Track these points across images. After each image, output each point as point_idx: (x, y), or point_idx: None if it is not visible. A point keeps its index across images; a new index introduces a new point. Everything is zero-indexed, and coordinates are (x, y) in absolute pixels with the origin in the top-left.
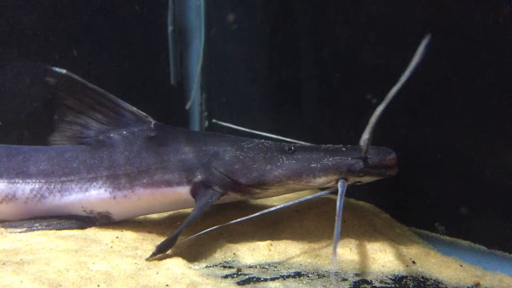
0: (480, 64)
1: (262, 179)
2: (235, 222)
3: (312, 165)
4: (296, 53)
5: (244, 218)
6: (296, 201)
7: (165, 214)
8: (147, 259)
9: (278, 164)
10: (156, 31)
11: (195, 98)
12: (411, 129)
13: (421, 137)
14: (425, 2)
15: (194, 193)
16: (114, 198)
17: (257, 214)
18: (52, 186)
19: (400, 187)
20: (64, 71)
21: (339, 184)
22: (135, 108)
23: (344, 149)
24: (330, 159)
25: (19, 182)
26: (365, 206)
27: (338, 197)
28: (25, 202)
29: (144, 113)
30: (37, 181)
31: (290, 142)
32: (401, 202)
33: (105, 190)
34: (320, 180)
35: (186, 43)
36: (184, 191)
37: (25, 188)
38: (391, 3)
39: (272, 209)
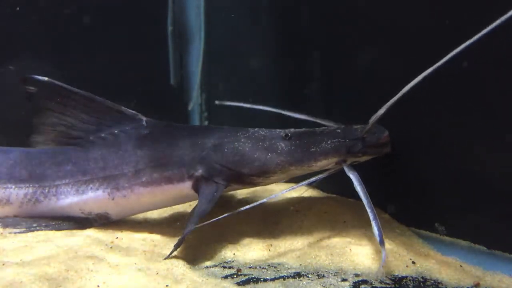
0: (481, 63)
1: (264, 167)
2: (236, 212)
3: (312, 150)
4: (298, 53)
5: (242, 208)
6: (295, 186)
7: (165, 214)
8: (164, 258)
9: (278, 151)
10: (155, 31)
11: (195, 98)
12: (411, 130)
13: (421, 137)
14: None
15: (196, 187)
16: (113, 199)
17: (257, 203)
18: (46, 190)
19: (400, 188)
20: (46, 78)
21: (348, 172)
22: (123, 107)
23: (339, 130)
24: (329, 142)
25: (12, 187)
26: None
27: (358, 187)
28: (20, 206)
29: (133, 111)
30: (30, 185)
31: (296, 119)
32: (401, 203)
33: (103, 192)
34: (321, 164)
35: (186, 43)
36: (185, 186)
37: (18, 193)
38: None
39: (271, 197)
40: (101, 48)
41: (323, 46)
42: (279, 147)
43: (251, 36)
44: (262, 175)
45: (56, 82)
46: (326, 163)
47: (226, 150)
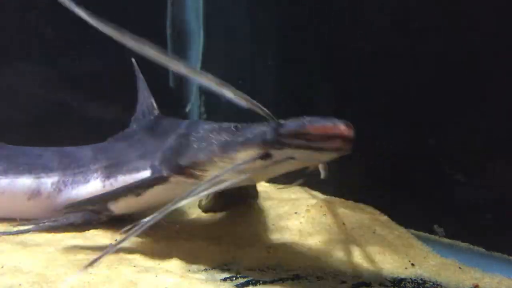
0: (480, 70)
1: (194, 159)
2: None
3: (238, 140)
4: (298, 56)
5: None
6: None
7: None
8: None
9: (212, 142)
10: (155, 33)
11: (194, 100)
12: (410, 131)
13: (421, 139)
14: None
15: None
16: (104, 187)
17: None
18: (66, 179)
19: (399, 189)
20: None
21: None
22: (152, 100)
23: (282, 121)
24: (254, 131)
25: (43, 177)
26: (364, 208)
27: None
28: (47, 197)
29: (154, 105)
30: (57, 173)
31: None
32: (400, 204)
33: (100, 180)
34: (241, 155)
35: (185, 45)
36: (145, 175)
37: (47, 181)
38: None
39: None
40: (100, 50)
41: (323, 49)
42: (216, 138)
43: (250, 38)
44: (196, 166)
45: None
46: (246, 154)
47: (180, 141)
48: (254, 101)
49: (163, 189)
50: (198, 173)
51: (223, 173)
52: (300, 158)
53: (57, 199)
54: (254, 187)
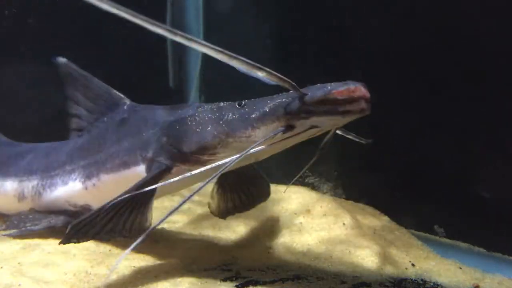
0: (480, 70)
1: (202, 142)
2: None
3: (252, 116)
4: (298, 56)
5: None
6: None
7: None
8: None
9: (220, 122)
10: (154, 33)
11: (193, 101)
12: (411, 133)
13: (421, 140)
14: None
15: (148, 171)
16: (86, 188)
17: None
18: (44, 182)
19: (399, 190)
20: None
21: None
22: (113, 90)
23: (285, 93)
24: (270, 105)
25: (25, 180)
26: (365, 209)
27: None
28: (32, 200)
29: (120, 95)
30: (36, 177)
31: None
32: (400, 204)
33: (79, 181)
34: (260, 132)
35: (185, 46)
36: (140, 170)
37: (28, 185)
38: None
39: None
40: (100, 51)
41: (323, 45)
42: (224, 118)
43: (250, 39)
44: (204, 151)
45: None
46: (266, 129)
47: (177, 127)
48: (279, 75)
49: (164, 181)
50: (206, 158)
51: (242, 155)
52: (323, 125)
53: (40, 201)
54: (267, 184)
